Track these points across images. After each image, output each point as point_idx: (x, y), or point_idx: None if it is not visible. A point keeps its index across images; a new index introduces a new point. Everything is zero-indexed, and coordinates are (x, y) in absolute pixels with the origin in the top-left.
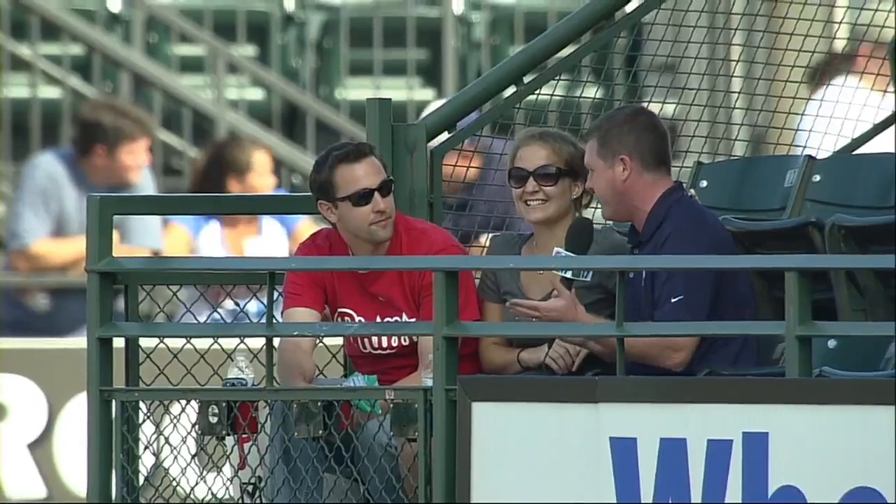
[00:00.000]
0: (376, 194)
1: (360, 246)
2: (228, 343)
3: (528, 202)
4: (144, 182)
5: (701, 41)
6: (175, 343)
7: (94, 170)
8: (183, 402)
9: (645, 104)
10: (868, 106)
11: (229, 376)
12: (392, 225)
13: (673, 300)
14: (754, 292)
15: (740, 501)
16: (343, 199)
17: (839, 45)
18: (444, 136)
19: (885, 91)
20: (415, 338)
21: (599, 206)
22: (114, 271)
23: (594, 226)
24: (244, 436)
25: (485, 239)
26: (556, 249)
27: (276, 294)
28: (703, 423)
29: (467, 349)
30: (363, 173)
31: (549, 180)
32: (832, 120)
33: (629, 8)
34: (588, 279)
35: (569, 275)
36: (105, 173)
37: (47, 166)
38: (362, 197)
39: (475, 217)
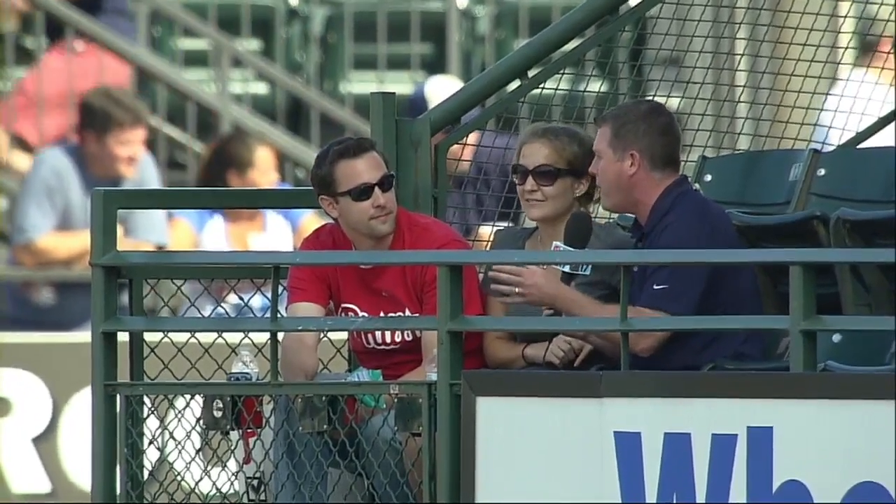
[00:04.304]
0: (377, 189)
1: (363, 241)
2: (233, 337)
3: (528, 199)
4: (148, 175)
5: (705, 35)
6: (179, 337)
7: (88, 158)
8: (187, 396)
9: (649, 98)
10: (874, 100)
11: (234, 371)
12: (393, 220)
13: (656, 287)
14: (758, 287)
15: (745, 496)
16: (343, 194)
17: (844, 39)
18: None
19: (892, 84)
20: (418, 333)
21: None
22: (118, 265)
23: (598, 221)
24: (249, 430)
25: (488, 232)
26: (554, 244)
27: (280, 289)
28: (707, 417)
29: (471, 345)
30: (364, 168)
31: (548, 180)
32: (850, 115)
33: (633, 2)
34: (587, 273)
35: (567, 269)
36: (97, 162)
37: (53, 160)
38: (363, 192)
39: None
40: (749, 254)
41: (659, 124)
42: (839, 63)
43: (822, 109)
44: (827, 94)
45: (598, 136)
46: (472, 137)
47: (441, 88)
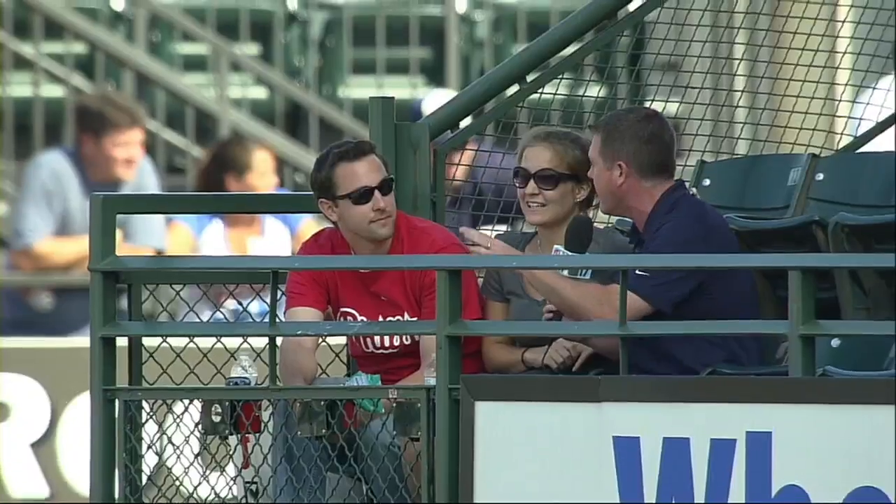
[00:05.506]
0: (376, 192)
1: (362, 245)
2: (231, 342)
3: (529, 204)
4: (147, 179)
5: (704, 39)
6: (178, 342)
7: (86, 162)
8: (186, 401)
9: (648, 103)
10: (872, 105)
11: (232, 375)
12: (392, 223)
13: (637, 272)
14: (757, 291)
15: (744, 501)
16: (343, 198)
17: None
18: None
19: (890, 89)
20: (417, 337)
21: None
22: (117, 270)
23: (596, 226)
24: (247, 435)
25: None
26: (555, 247)
27: (279, 293)
28: (706, 422)
29: (470, 348)
30: (363, 171)
31: (549, 184)
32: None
33: (632, 7)
34: (587, 277)
35: (566, 272)
36: (95, 166)
37: (52, 164)
38: (362, 195)
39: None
40: (748, 258)
41: (646, 133)
42: (837, 67)
43: (852, 118)
44: (854, 101)
45: (592, 142)
46: (471, 146)
47: (439, 104)
